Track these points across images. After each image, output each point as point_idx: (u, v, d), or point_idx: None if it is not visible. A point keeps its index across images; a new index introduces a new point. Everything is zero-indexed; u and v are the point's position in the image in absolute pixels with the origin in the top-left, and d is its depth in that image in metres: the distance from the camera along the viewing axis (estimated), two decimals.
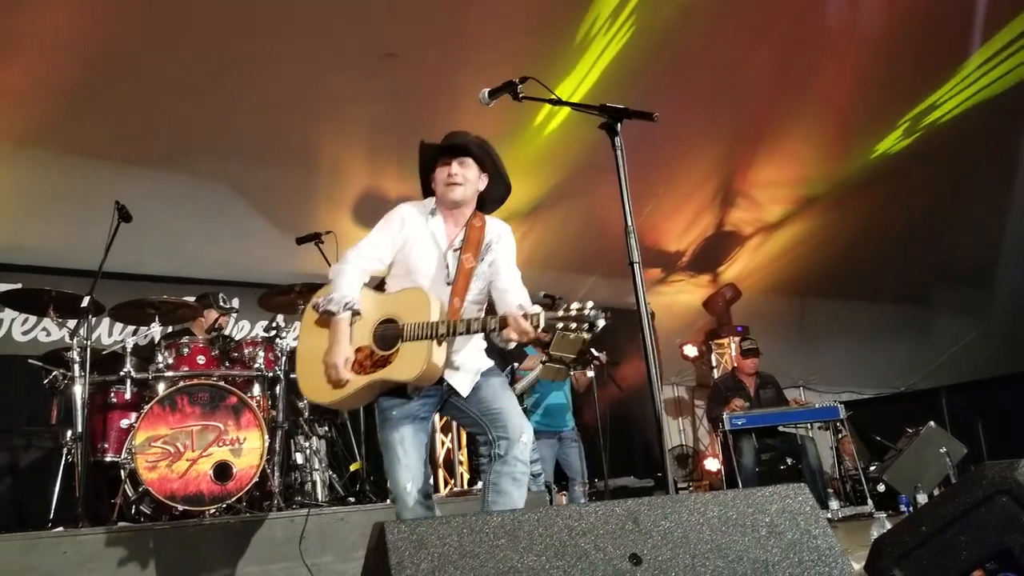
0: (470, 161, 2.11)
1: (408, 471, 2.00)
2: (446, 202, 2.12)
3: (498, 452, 1.99)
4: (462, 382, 2.09)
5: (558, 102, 2.00)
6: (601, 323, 1.82)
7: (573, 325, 1.83)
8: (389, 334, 2.03)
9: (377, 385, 2.03)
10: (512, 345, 2.07)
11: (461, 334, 2.03)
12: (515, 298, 2.04)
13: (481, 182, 2.15)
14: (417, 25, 3.91)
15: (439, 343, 1.99)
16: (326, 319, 2.07)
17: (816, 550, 1.35)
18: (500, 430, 2.00)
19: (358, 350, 2.04)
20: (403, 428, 2.03)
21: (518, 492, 1.97)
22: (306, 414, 3.69)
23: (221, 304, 3.91)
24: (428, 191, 2.21)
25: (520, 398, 4.29)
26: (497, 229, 2.18)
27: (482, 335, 2.14)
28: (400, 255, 2.12)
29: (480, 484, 3.95)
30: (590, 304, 1.82)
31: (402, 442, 2.02)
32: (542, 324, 1.89)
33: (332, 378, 2.02)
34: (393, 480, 2.03)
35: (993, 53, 5.07)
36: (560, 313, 1.85)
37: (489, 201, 2.22)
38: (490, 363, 2.17)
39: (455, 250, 2.12)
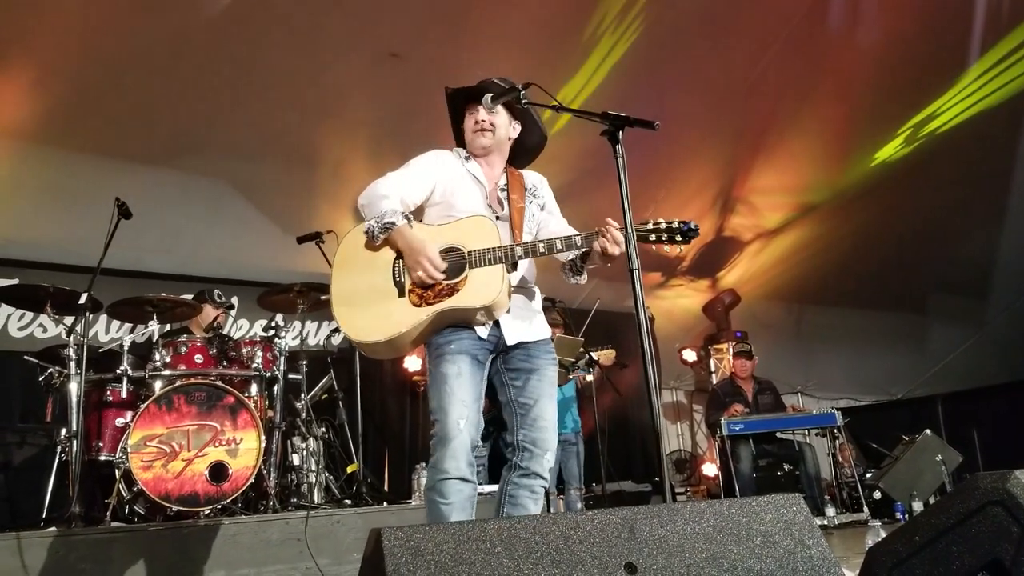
0: (500, 108, 2.02)
1: (464, 407, 1.81)
2: (475, 149, 2.05)
3: (519, 463, 1.88)
4: (513, 328, 1.95)
5: (560, 108, 1.99)
6: (693, 230, 1.86)
7: (665, 236, 1.87)
8: (453, 263, 1.89)
9: (445, 316, 1.88)
10: (582, 280, 2.01)
11: (542, 254, 1.94)
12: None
13: (513, 130, 2.07)
14: (421, 24, 3.91)
15: (512, 268, 1.90)
16: (368, 248, 1.92)
17: (810, 560, 1.35)
18: (528, 441, 1.87)
19: (415, 283, 1.89)
20: (460, 362, 1.86)
21: (535, 507, 1.87)
22: (303, 415, 3.69)
23: (217, 299, 3.90)
24: (460, 141, 2.11)
25: None
26: (533, 178, 2.13)
27: (539, 297, 2.03)
28: (440, 193, 1.99)
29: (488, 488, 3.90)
30: (677, 220, 1.88)
31: (459, 375, 1.84)
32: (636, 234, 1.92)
33: (422, 280, 1.85)
34: (443, 415, 1.81)
35: (992, 64, 5.09)
36: (651, 225, 1.88)
37: (522, 152, 2.13)
38: (548, 333, 2.02)
39: (502, 190, 2.04)
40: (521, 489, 1.86)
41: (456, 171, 2.03)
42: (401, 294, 1.89)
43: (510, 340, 1.95)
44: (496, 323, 1.94)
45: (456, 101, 2.09)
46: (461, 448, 1.80)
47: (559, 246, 1.94)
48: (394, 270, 1.92)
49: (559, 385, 4.38)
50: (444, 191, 2.00)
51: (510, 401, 1.93)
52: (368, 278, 1.93)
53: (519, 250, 1.92)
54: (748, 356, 5.41)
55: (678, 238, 1.89)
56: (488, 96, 1.98)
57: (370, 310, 1.90)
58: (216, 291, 3.98)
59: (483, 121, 2.02)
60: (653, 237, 1.90)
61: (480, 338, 1.92)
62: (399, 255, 1.93)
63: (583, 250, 1.96)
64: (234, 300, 4.73)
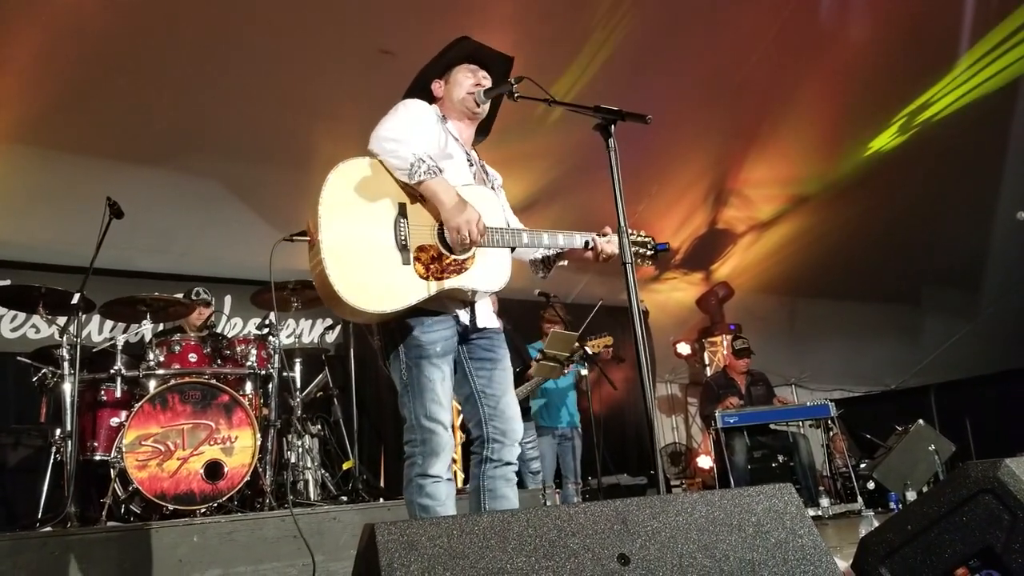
0: (488, 76, 1.99)
1: (448, 413, 1.78)
2: (468, 107, 1.95)
3: (489, 455, 1.86)
4: (482, 312, 1.90)
5: (553, 102, 1.99)
6: (664, 248, 2.09)
7: (645, 251, 2.08)
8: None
9: (446, 294, 1.79)
10: (548, 276, 2.07)
11: (546, 247, 1.91)
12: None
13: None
14: (414, 21, 3.89)
15: (511, 252, 1.86)
16: (371, 189, 1.72)
17: (801, 549, 1.36)
18: (497, 432, 1.86)
19: (421, 249, 1.75)
20: (444, 364, 1.80)
21: (513, 493, 1.89)
22: (299, 412, 3.69)
23: (193, 298, 3.91)
24: (422, 95, 1.97)
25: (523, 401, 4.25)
26: (493, 172, 2.07)
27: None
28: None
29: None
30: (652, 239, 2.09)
31: (443, 380, 1.79)
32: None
33: (461, 242, 1.72)
34: (433, 424, 1.75)
35: (984, 52, 5.10)
36: (636, 237, 2.05)
37: (479, 131, 2.06)
38: (500, 326, 1.97)
39: (480, 161, 1.98)
40: (498, 480, 1.86)
41: (439, 128, 1.92)
42: (406, 261, 1.72)
43: (480, 323, 1.91)
44: (471, 305, 1.91)
45: (451, 56, 2.00)
46: (450, 451, 1.80)
47: (561, 241, 1.95)
48: (396, 229, 1.74)
49: (555, 379, 4.43)
50: (437, 151, 1.86)
51: (476, 393, 1.89)
52: (367, 230, 1.71)
53: (526, 236, 1.88)
54: (749, 354, 5.43)
55: (655, 254, 2.05)
56: (481, 91, 1.98)
57: (371, 273, 1.68)
58: (196, 289, 3.98)
59: (486, 85, 1.97)
60: (640, 251, 2.06)
61: (456, 328, 1.87)
62: (402, 211, 1.75)
63: (565, 249, 2.00)
64: (227, 300, 4.72)
